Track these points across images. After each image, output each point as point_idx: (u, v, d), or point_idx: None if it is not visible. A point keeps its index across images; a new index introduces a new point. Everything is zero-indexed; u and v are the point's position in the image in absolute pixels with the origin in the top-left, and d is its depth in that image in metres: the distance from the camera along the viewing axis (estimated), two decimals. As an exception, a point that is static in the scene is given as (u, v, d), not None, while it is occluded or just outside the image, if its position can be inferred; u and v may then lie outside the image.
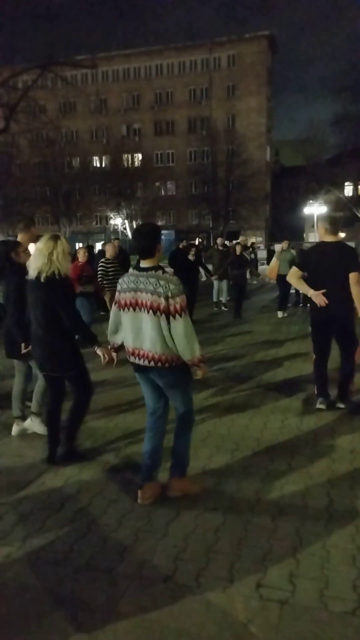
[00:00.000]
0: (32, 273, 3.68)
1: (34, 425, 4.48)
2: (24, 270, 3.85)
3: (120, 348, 3.48)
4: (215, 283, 12.33)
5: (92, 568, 2.65)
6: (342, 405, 4.86)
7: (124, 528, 3.00)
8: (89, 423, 4.54)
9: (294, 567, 2.60)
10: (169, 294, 2.96)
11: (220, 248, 12.54)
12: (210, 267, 12.47)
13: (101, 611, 2.34)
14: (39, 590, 2.50)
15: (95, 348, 3.70)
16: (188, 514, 3.11)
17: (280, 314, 10.99)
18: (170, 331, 3.00)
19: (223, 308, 12.28)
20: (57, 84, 29.91)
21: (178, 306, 2.97)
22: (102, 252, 10.82)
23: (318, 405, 4.90)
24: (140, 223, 3.53)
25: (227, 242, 15.76)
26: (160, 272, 3.06)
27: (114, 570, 2.62)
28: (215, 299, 12.46)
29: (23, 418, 4.52)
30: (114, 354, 3.58)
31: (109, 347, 3.55)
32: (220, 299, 12.40)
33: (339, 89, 32.09)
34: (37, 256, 3.67)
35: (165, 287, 2.98)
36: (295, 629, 2.20)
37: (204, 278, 12.17)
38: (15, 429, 4.50)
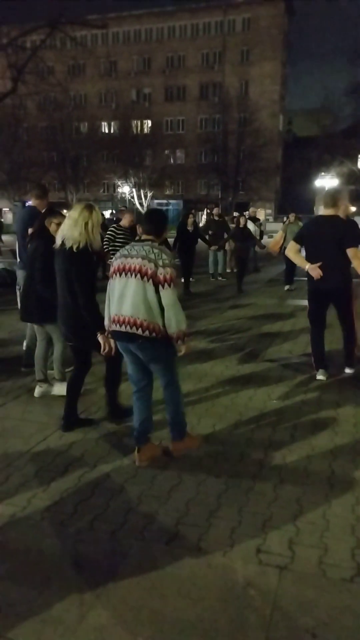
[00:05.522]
0: (63, 242, 3.55)
1: (62, 389, 4.41)
2: (52, 240, 3.81)
3: None
4: (211, 254, 12.31)
5: (95, 529, 2.70)
6: (349, 371, 5.01)
7: (127, 492, 3.05)
8: (96, 390, 4.58)
9: (293, 535, 2.64)
10: (160, 263, 3.05)
11: (217, 218, 12.40)
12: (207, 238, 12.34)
13: (104, 571, 2.39)
14: (43, 550, 2.56)
15: (99, 334, 3.56)
16: (191, 480, 3.15)
17: (287, 287, 10.94)
18: (158, 299, 3.06)
19: (219, 278, 12.31)
20: (66, 44, 29.16)
21: (168, 276, 3.04)
22: (111, 220, 10.68)
23: (318, 377, 4.97)
24: (151, 208, 3.62)
25: (236, 214, 15.61)
26: (156, 243, 3.21)
27: (116, 532, 2.67)
28: (211, 270, 12.48)
29: (45, 381, 4.59)
30: (112, 342, 3.55)
31: (107, 333, 3.49)
32: (218, 270, 12.41)
33: (356, 57, 31.06)
34: (72, 225, 3.51)
35: (157, 255, 3.07)
36: (294, 593, 2.24)
37: (215, 247, 12.02)
38: (37, 391, 4.57)
